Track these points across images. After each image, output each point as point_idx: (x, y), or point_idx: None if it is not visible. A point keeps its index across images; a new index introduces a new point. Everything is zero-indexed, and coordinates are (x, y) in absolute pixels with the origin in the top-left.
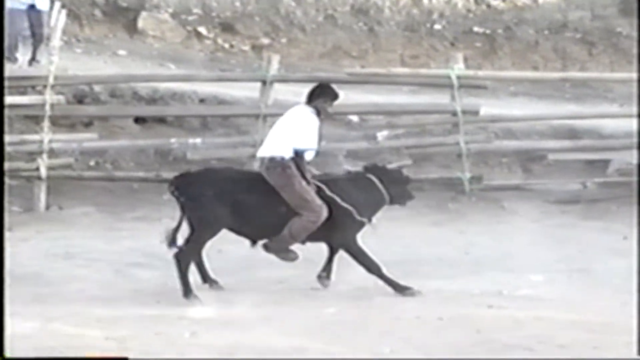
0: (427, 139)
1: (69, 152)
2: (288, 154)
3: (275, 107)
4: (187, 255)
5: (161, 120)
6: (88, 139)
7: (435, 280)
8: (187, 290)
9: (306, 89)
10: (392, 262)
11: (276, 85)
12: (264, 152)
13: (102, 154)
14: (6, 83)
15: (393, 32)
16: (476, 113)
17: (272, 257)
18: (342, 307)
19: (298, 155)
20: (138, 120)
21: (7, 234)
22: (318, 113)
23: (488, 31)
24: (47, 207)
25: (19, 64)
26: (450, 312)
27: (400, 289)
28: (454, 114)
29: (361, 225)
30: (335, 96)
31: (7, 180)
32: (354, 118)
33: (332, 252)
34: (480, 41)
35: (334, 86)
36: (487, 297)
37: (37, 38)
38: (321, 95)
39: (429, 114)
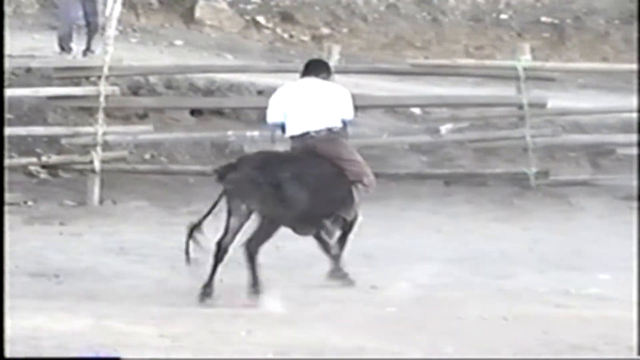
0: (492, 132)
1: (124, 145)
2: (340, 124)
3: None
4: (257, 246)
5: (218, 112)
6: (143, 131)
7: (499, 279)
8: (257, 286)
9: (368, 80)
10: (454, 258)
11: (336, 77)
12: (313, 126)
13: (157, 146)
14: (60, 74)
15: (458, 21)
16: (543, 106)
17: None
18: (402, 306)
19: (345, 125)
20: (194, 112)
21: (59, 229)
22: None
23: (556, 21)
24: (101, 201)
25: (73, 54)
26: (515, 311)
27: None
28: (520, 106)
29: None
30: (330, 72)
31: (60, 173)
32: (417, 111)
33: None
34: (548, 31)
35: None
36: (553, 295)
37: (92, 27)
38: (324, 69)
39: (494, 106)
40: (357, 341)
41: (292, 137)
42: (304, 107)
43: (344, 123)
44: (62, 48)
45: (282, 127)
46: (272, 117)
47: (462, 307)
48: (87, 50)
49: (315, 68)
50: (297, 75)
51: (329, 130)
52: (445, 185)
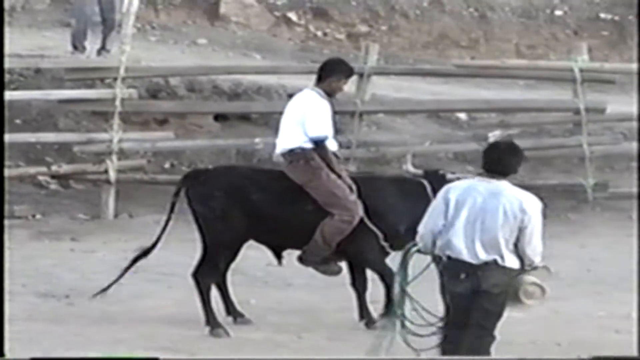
0: (546, 140)
1: (141, 153)
2: (307, 145)
3: (374, 104)
4: (206, 276)
5: (244, 117)
6: (162, 138)
7: (552, 301)
8: (210, 321)
9: (409, 82)
10: None
11: (374, 79)
12: (280, 146)
13: (178, 155)
14: (72, 75)
15: (508, 19)
16: (602, 111)
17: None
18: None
19: (319, 145)
20: (219, 117)
21: (71, 245)
22: (329, 94)
23: (616, 18)
24: (116, 215)
25: (86, 54)
26: (569, 337)
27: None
28: (577, 112)
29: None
30: (349, 72)
31: (71, 184)
32: (463, 116)
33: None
34: (608, 29)
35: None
36: (612, 320)
37: (108, 24)
38: (334, 72)
39: (547, 111)
40: None
41: None
42: (281, 126)
43: (317, 143)
44: (75, 47)
45: None
46: None
47: (512, 332)
48: (103, 49)
49: (323, 71)
50: None
51: (290, 151)
52: None
